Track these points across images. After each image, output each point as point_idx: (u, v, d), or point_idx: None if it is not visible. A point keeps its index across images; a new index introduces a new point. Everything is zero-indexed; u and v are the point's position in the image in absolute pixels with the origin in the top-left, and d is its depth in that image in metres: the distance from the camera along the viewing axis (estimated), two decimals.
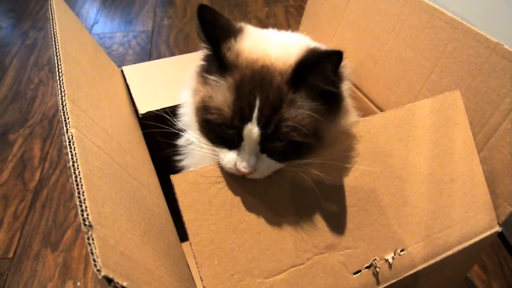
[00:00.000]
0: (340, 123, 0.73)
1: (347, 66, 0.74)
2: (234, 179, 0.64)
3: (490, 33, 0.80)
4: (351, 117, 0.77)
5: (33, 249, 1.31)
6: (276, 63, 0.68)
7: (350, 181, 0.68)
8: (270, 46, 0.71)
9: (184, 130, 0.82)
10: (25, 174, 1.58)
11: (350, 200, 0.69)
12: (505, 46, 0.76)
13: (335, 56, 0.62)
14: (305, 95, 0.66)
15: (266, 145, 0.66)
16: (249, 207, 0.63)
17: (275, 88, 0.66)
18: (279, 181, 0.63)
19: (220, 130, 0.68)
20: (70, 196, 1.49)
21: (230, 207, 0.62)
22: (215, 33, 0.68)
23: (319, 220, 0.67)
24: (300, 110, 0.65)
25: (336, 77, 0.67)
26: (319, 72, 0.64)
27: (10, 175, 1.57)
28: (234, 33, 0.71)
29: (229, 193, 0.62)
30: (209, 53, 0.71)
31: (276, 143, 0.66)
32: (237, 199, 0.63)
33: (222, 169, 0.65)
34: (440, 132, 0.76)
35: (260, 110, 0.64)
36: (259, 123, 0.64)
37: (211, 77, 0.70)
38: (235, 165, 0.66)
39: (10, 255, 1.29)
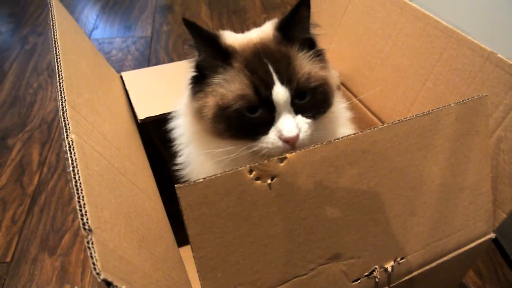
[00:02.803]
0: (330, 70, 0.82)
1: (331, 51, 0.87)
2: (245, 190, 0.59)
3: (484, 42, 0.81)
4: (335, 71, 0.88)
5: (31, 253, 1.31)
6: (262, 37, 0.78)
7: (364, 192, 0.66)
8: (249, 34, 0.83)
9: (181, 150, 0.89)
10: (23, 178, 1.59)
11: (361, 210, 0.67)
12: (499, 55, 0.78)
13: (306, 2, 0.73)
14: (298, 48, 0.76)
15: (296, 105, 0.73)
16: (258, 220, 0.60)
17: (275, 50, 0.74)
18: (288, 192, 0.62)
19: (248, 119, 0.73)
20: (68, 201, 1.50)
21: (239, 220, 0.59)
22: (208, 34, 0.75)
23: (327, 231, 0.65)
24: (304, 60, 0.75)
25: (309, 23, 0.77)
26: (297, 22, 0.75)
27: (9, 180, 1.58)
28: (218, 34, 0.80)
29: (238, 206, 0.59)
30: (204, 56, 0.76)
31: (303, 100, 0.74)
32: (247, 212, 0.59)
33: (232, 179, 0.59)
34: (461, 140, 0.73)
35: (276, 72, 0.71)
36: (282, 82, 0.71)
37: (214, 79, 0.75)
38: (281, 135, 0.70)
39: (8, 259, 1.29)
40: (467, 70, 0.83)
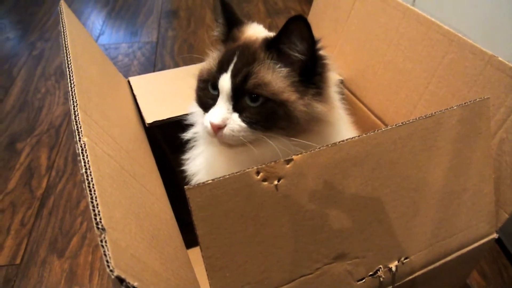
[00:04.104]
0: (317, 107, 0.77)
1: (331, 58, 0.81)
2: (252, 192, 0.60)
3: (484, 45, 0.83)
4: (335, 111, 0.82)
5: (40, 256, 1.33)
6: (259, 38, 0.81)
7: (368, 193, 0.67)
8: (260, 32, 0.87)
9: (191, 125, 0.93)
10: (32, 182, 1.61)
11: (365, 211, 0.68)
12: (500, 58, 0.79)
13: (299, 18, 0.69)
14: (277, 59, 0.76)
15: (238, 103, 0.75)
16: (266, 220, 0.61)
17: (251, 50, 0.78)
18: (294, 194, 0.63)
19: (206, 93, 0.80)
20: (76, 204, 1.52)
21: (247, 220, 0.60)
22: (235, 17, 0.86)
23: (332, 232, 0.66)
24: (269, 70, 0.75)
25: (302, 43, 0.73)
26: (287, 37, 0.73)
27: (18, 183, 1.60)
28: (243, 21, 0.88)
29: (247, 206, 0.60)
30: (219, 32, 0.87)
31: (247, 102, 0.74)
32: (254, 213, 0.60)
33: (240, 180, 0.60)
34: (463, 142, 0.73)
35: (235, 63, 0.75)
36: (231, 73, 0.75)
37: (209, 52, 0.86)
38: (209, 117, 0.75)
39: (18, 261, 1.32)
40: (469, 73, 0.84)
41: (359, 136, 0.64)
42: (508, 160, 0.78)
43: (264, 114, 0.74)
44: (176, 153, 1.00)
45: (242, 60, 0.76)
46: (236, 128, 0.74)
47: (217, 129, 0.74)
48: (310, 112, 0.76)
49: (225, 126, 0.74)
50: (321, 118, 0.78)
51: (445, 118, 0.71)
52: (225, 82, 0.75)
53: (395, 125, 0.67)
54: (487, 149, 0.76)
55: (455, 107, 0.71)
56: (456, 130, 0.72)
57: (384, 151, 0.67)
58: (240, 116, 0.74)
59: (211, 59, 0.82)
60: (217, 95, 0.77)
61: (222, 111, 0.75)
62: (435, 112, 0.69)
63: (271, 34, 0.85)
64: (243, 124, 0.74)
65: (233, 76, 0.74)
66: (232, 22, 0.85)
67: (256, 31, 0.86)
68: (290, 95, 0.74)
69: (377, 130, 0.65)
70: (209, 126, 0.75)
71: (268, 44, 0.77)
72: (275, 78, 0.74)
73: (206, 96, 0.80)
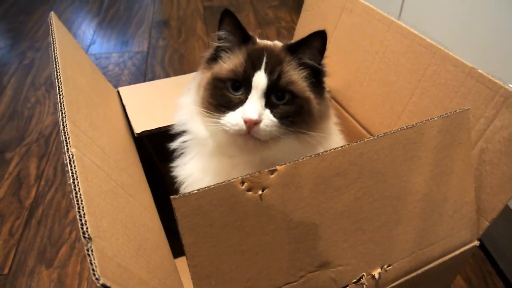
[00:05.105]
0: (324, 105, 0.90)
1: (327, 65, 0.91)
2: (237, 201, 0.61)
3: (466, 57, 0.85)
4: (331, 110, 0.96)
5: (28, 266, 1.33)
6: (277, 43, 0.91)
7: (351, 201, 0.69)
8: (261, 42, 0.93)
9: (179, 134, 0.95)
10: (21, 191, 1.61)
11: (349, 220, 0.69)
12: (480, 71, 0.82)
13: (321, 34, 0.82)
14: (298, 63, 0.85)
15: (271, 100, 0.81)
16: (250, 229, 0.62)
17: (276, 52, 0.85)
18: (278, 203, 0.64)
19: (228, 94, 0.82)
20: (65, 214, 1.52)
21: (232, 229, 0.61)
22: (240, 24, 0.87)
23: (316, 240, 0.67)
24: (295, 71, 0.84)
25: (320, 54, 0.86)
26: (308, 47, 0.84)
27: (6, 193, 1.60)
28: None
29: (232, 216, 0.61)
30: (228, 34, 0.87)
31: (279, 100, 0.81)
32: (239, 222, 0.62)
33: (225, 190, 0.61)
34: (444, 152, 0.76)
35: (267, 62, 0.81)
36: (266, 71, 0.80)
37: (224, 55, 0.87)
38: (244, 114, 0.77)
39: (5, 271, 1.31)
40: (450, 85, 0.87)
41: (342, 146, 0.65)
42: (488, 169, 0.80)
43: (292, 110, 0.82)
44: (165, 162, 1.01)
45: (272, 59, 0.82)
46: (270, 124, 0.79)
47: (253, 125, 0.77)
48: (321, 109, 0.88)
49: (260, 121, 0.78)
50: (326, 115, 0.91)
51: (426, 129, 0.73)
52: (260, 78, 0.79)
53: (378, 135, 0.68)
54: (468, 159, 0.78)
55: (436, 118, 0.73)
56: (437, 140, 0.74)
57: (366, 161, 0.68)
58: (272, 112, 0.80)
59: (232, 59, 0.85)
60: (244, 94, 0.81)
61: (257, 106, 0.79)
62: (416, 123, 0.71)
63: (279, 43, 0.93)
64: (275, 119, 0.80)
65: (269, 73, 0.80)
66: (244, 29, 0.88)
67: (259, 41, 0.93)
68: (310, 93, 0.85)
69: (360, 141, 0.67)
70: (241, 122, 0.78)
71: (291, 49, 0.85)
72: (300, 78, 0.84)
73: (226, 95, 0.82)
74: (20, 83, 2.26)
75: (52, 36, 0.83)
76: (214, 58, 0.89)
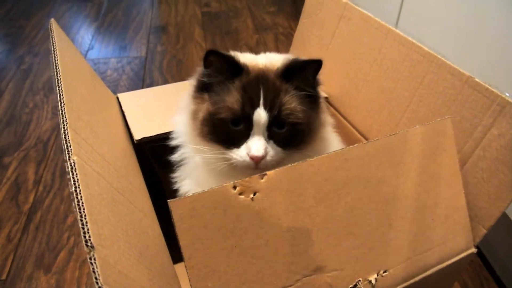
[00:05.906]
0: (322, 115, 0.92)
1: (321, 74, 0.89)
2: (230, 204, 0.64)
3: (463, 66, 0.86)
4: (328, 115, 0.97)
5: (26, 271, 1.33)
6: (267, 66, 0.87)
7: (340, 206, 0.70)
8: (258, 58, 0.92)
9: (178, 147, 0.95)
10: (19, 196, 1.61)
11: (339, 224, 0.71)
12: (477, 79, 0.82)
13: (316, 63, 0.82)
14: (294, 88, 0.84)
15: (272, 131, 0.81)
16: (244, 232, 0.64)
17: (271, 81, 0.83)
18: (270, 207, 0.65)
19: (228, 130, 0.82)
20: (63, 219, 1.52)
21: (226, 232, 0.63)
22: (229, 56, 0.85)
23: (308, 243, 0.69)
24: (293, 98, 0.83)
25: (315, 81, 0.87)
26: (302, 73, 0.84)
27: (4, 198, 1.60)
28: (234, 54, 0.89)
29: (225, 218, 0.63)
30: (215, 71, 0.84)
31: (280, 129, 0.82)
32: (232, 225, 0.64)
33: (218, 194, 0.64)
34: (429, 158, 0.78)
35: (264, 97, 0.80)
36: (265, 107, 0.80)
37: (216, 89, 0.84)
38: (249, 152, 0.79)
39: (3, 277, 1.31)
40: (448, 93, 0.88)
41: (327, 153, 0.68)
42: (485, 177, 0.81)
43: (293, 135, 0.84)
44: (164, 168, 1.01)
45: (269, 93, 0.81)
46: (275, 154, 0.81)
47: (260, 160, 0.79)
48: (320, 120, 0.90)
49: (266, 154, 0.80)
50: (323, 123, 0.93)
51: (409, 136, 0.76)
52: (261, 116, 0.79)
53: (362, 143, 0.72)
54: (454, 165, 0.80)
55: (417, 126, 0.76)
56: (421, 148, 0.77)
57: (352, 167, 0.70)
58: (276, 142, 0.82)
59: (226, 94, 0.82)
60: (246, 130, 0.81)
61: (262, 142, 0.80)
62: (399, 131, 0.75)
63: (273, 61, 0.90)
64: (279, 148, 0.82)
65: (269, 110, 0.80)
66: (234, 63, 0.84)
67: (249, 58, 0.90)
68: (308, 114, 0.85)
69: (344, 148, 0.70)
70: (247, 159, 0.79)
71: (285, 76, 0.84)
72: (298, 104, 0.83)
73: (229, 133, 0.82)
74: (18, 88, 2.26)
75: (53, 43, 0.83)
76: (203, 88, 0.87)
